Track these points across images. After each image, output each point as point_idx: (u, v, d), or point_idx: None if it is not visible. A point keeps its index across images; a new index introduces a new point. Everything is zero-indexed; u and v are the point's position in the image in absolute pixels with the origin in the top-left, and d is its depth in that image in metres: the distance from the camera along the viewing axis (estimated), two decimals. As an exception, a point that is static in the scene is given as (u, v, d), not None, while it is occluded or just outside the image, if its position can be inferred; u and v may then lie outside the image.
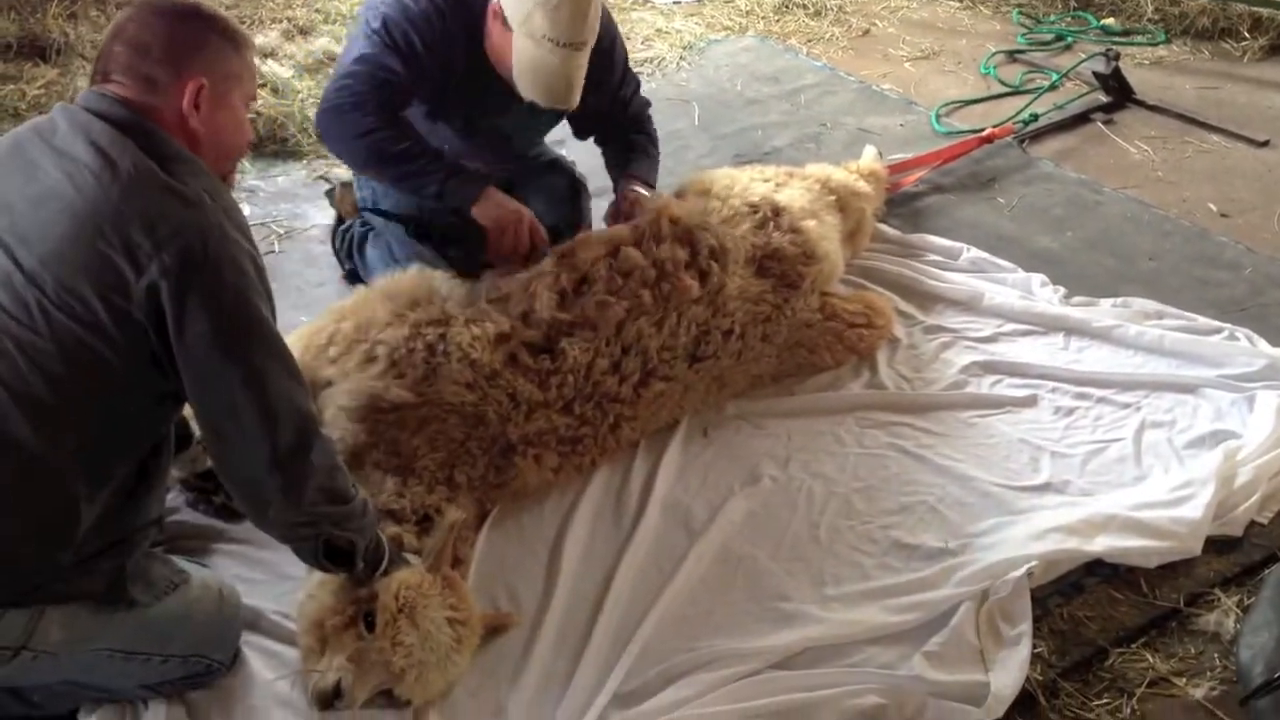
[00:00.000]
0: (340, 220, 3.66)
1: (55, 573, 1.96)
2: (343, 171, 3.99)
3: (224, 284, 1.90)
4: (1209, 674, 2.41)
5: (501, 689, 2.31)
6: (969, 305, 3.51)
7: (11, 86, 4.40)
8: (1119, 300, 3.53)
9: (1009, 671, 2.33)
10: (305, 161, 4.17)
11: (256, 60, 2.81)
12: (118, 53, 1.99)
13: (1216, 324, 3.42)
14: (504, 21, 2.82)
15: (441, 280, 2.85)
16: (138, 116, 1.96)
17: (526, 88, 2.86)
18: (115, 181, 1.88)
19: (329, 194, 3.79)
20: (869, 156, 4.03)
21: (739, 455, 2.92)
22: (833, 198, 3.50)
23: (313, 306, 3.26)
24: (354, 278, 3.47)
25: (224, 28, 2.06)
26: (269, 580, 2.50)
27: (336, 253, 3.58)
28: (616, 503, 2.77)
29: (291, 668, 2.30)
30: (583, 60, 2.83)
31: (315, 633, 2.21)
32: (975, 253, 3.74)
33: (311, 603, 2.24)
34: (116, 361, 1.90)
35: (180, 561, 2.27)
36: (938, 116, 4.73)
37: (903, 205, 4.07)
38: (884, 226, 3.86)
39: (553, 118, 3.26)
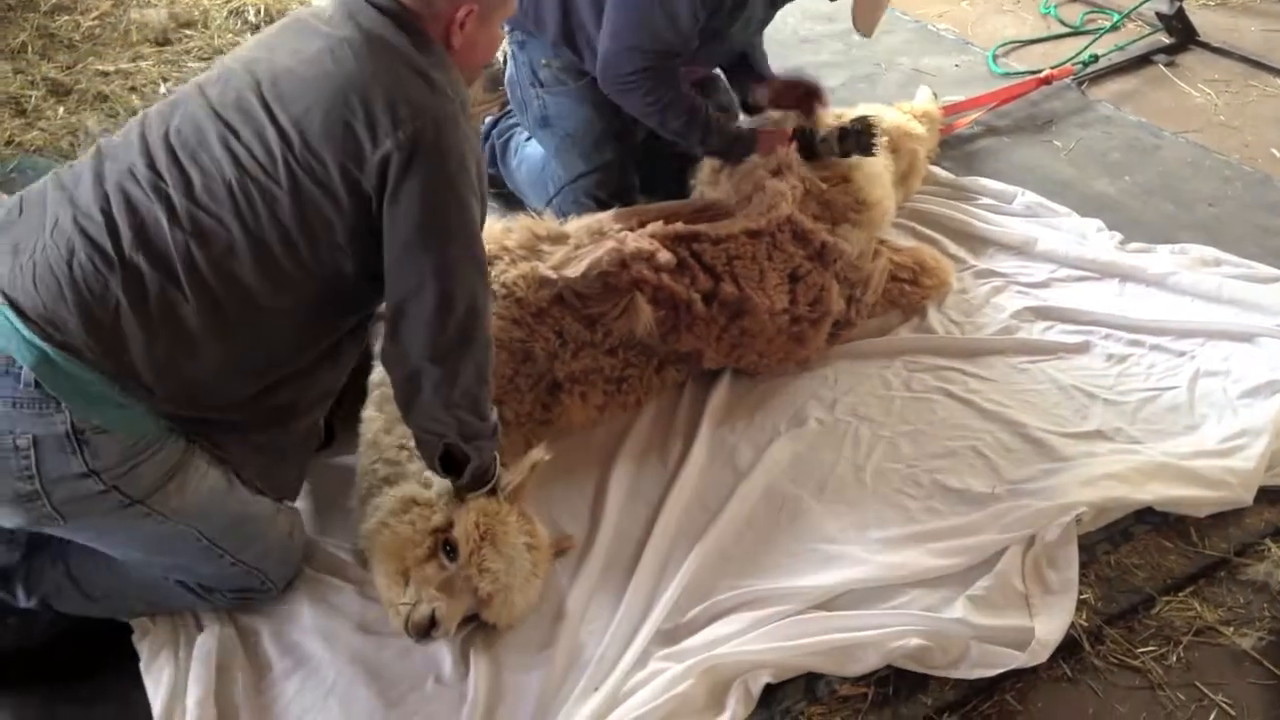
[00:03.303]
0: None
1: (234, 406, 2.10)
2: None
3: (444, 172, 2.02)
4: (1257, 624, 2.40)
5: (546, 623, 2.33)
6: (1021, 250, 3.46)
7: (66, 18, 4.42)
8: (1177, 247, 3.46)
9: (1054, 617, 2.33)
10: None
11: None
12: None
13: (1276, 272, 3.35)
14: None
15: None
16: (406, 14, 2.06)
17: (864, 21, 3.11)
18: (370, 56, 2.01)
19: None
20: (923, 98, 3.97)
21: (785, 397, 2.91)
22: (885, 139, 3.46)
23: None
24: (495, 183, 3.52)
25: None
26: (321, 510, 2.55)
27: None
28: (662, 442, 2.78)
29: (341, 596, 2.36)
30: None
31: (396, 565, 2.24)
32: (1030, 196, 3.68)
33: (386, 533, 2.27)
34: (341, 227, 2.03)
35: None
36: (995, 57, 4.64)
37: (956, 147, 4.01)
38: (937, 169, 3.81)
39: (761, 26, 3.32)
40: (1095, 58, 4.55)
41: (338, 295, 2.11)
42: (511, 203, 3.48)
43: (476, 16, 2.11)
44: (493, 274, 2.64)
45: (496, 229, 2.79)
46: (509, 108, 3.51)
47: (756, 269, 2.88)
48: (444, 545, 2.23)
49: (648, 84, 2.93)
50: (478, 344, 2.12)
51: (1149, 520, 2.59)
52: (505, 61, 3.39)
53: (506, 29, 3.34)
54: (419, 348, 2.09)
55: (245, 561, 2.22)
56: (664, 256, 2.78)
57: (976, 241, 3.51)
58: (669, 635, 2.31)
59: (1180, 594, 2.46)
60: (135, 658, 2.22)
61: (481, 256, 2.13)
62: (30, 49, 4.21)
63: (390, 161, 1.98)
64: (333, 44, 2.03)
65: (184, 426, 2.05)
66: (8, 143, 3.74)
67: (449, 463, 2.22)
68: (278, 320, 2.06)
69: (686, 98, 3.01)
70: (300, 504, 2.54)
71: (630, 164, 3.28)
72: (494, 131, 3.57)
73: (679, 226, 2.89)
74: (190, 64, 4.24)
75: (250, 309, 2.02)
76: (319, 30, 2.07)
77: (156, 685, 2.17)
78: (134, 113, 3.59)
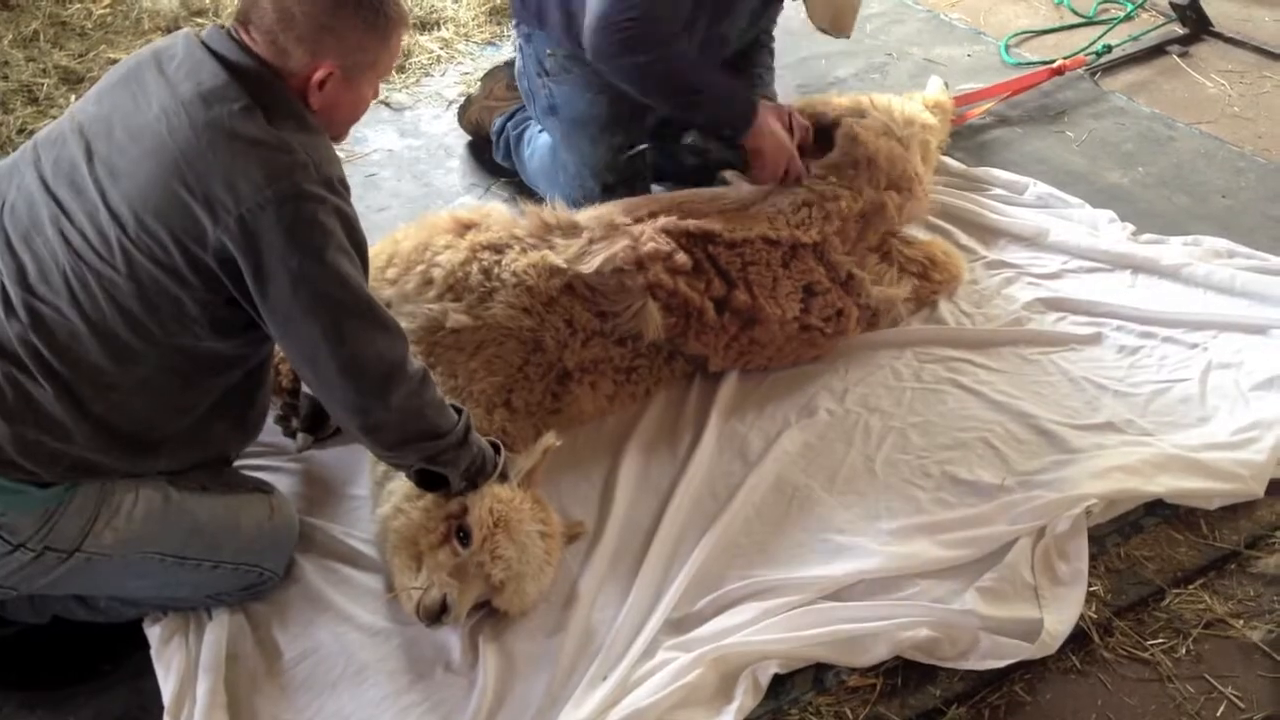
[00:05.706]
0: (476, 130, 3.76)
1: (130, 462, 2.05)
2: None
3: (301, 246, 1.90)
4: (1267, 617, 2.39)
5: (555, 611, 2.34)
6: (1033, 241, 3.44)
7: (77, 6, 4.42)
8: (1190, 239, 3.44)
9: (1063, 609, 2.32)
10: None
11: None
12: (264, 9, 1.96)
13: (1290, 264, 3.33)
14: None
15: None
16: (258, 66, 1.95)
17: (819, 14, 3.25)
18: (207, 129, 1.89)
19: (461, 110, 3.82)
20: (935, 88, 3.95)
21: (795, 387, 2.91)
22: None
23: (374, 232, 3.25)
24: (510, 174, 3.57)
25: (374, 13, 2.00)
26: (330, 498, 2.55)
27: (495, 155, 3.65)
28: (672, 432, 2.77)
29: (350, 584, 2.36)
30: None
31: (409, 550, 2.25)
32: (1042, 187, 3.66)
33: (401, 518, 2.28)
34: (191, 301, 1.95)
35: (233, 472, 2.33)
36: (1007, 47, 4.62)
37: (968, 138, 3.99)
38: (948, 159, 3.79)
39: (766, 22, 3.45)
40: (1108, 48, 4.53)
41: (202, 360, 2.04)
42: (525, 193, 3.47)
43: (338, 78, 2.00)
44: (503, 262, 2.64)
45: (507, 217, 2.79)
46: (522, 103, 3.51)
47: (770, 276, 2.87)
48: (457, 531, 2.23)
49: (634, 45, 2.87)
50: (400, 388, 2.03)
51: (1159, 512, 2.59)
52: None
53: (513, 23, 3.36)
54: (337, 410, 2.06)
55: (227, 561, 2.19)
56: (681, 258, 2.76)
57: (988, 232, 3.49)
58: (678, 625, 2.31)
59: (1190, 586, 2.45)
60: (146, 645, 2.23)
61: (367, 307, 2.00)
62: (42, 37, 4.22)
63: (238, 242, 1.88)
64: (169, 109, 1.91)
65: (88, 477, 2.01)
66: (20, 131, 3.75)
67: (431, 478, 2.20)
68: (140, 394, 1.99)
69: (679, 70, 2.95)
70: (307, 491, 2.56)
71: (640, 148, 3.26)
72: (509, 124, 3.56)
73: (692, 224, 2.86)
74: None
75: (105, 388, 1.96)
76: (158, 82, 1.95)
77: (167, 672, 2.17)
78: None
